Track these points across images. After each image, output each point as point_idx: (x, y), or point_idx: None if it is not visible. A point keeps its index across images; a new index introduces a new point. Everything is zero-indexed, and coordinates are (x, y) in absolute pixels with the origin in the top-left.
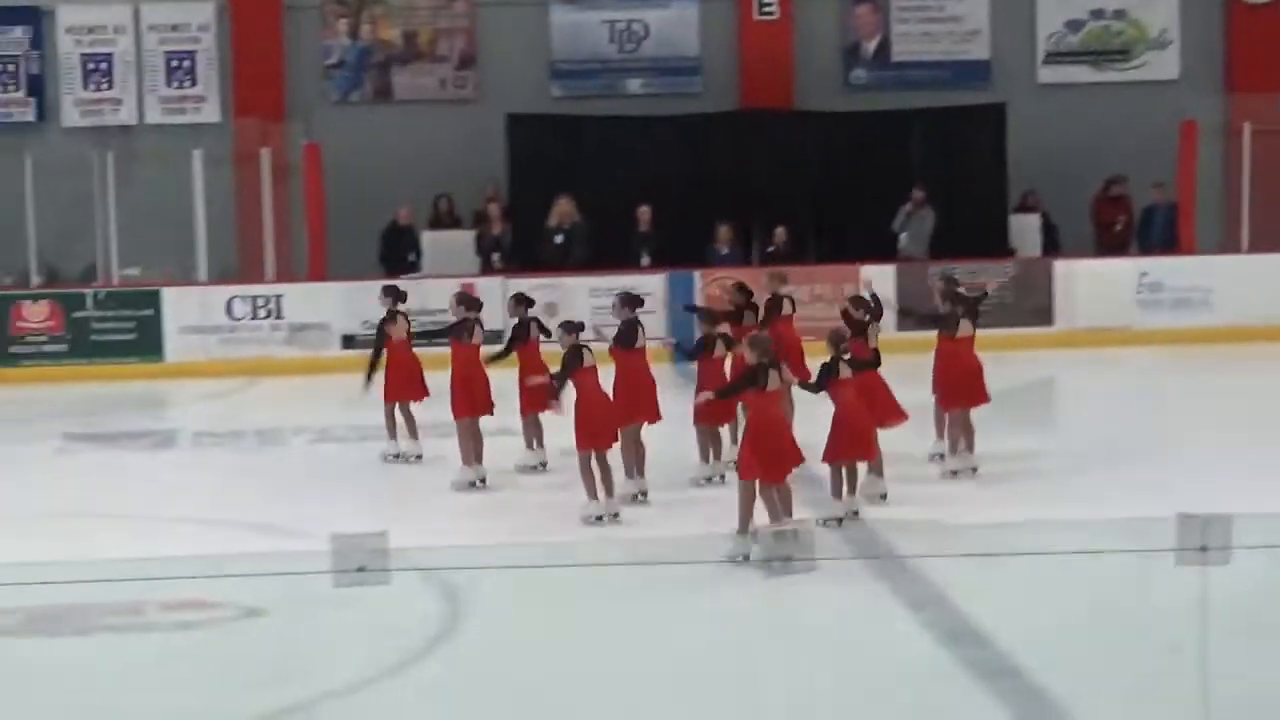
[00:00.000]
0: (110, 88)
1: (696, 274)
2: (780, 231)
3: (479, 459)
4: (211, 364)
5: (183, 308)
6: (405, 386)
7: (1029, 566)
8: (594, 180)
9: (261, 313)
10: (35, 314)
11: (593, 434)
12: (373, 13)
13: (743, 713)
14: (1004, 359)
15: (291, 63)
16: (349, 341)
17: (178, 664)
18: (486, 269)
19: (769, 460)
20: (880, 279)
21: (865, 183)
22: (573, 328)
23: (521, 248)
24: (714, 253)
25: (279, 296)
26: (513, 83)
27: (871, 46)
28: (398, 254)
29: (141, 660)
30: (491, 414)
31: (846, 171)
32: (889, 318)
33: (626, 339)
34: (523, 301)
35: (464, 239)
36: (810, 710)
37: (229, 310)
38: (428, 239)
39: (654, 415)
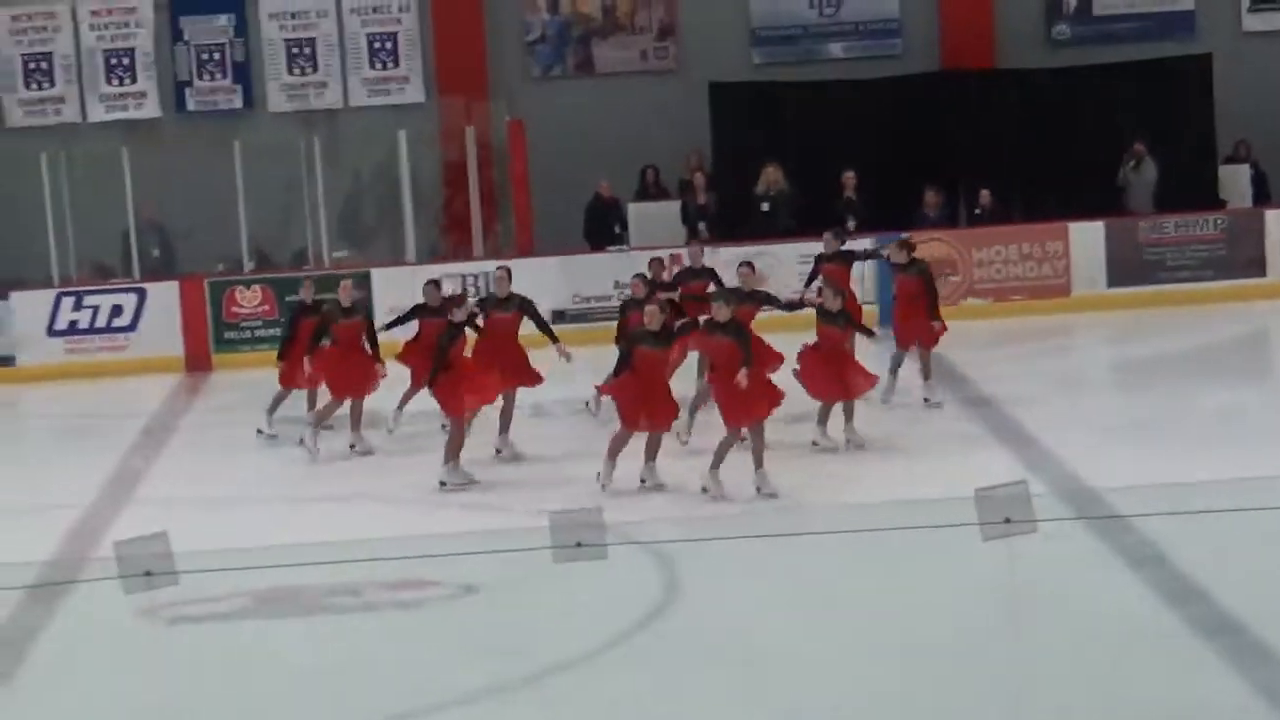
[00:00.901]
0: (315, 72)
1: (903, 238)
2: (985, 193)
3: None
4: None
5: (393, 288)
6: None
7: (1244, 522)
8: (797, 146)
9: (471, 290)
10: (248, 299)
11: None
12: None
13: (970, 677)
14: (1216, 311)
15: (493, 39)
16: (558, 316)
17: (398, 643)
18: (692, 239)
19: None
20: (1089, 236)
21: (1070, 140)
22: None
23: (727, 216)
24: (921, 216)
25: (488, 274)
26: (713, 51)
27: (1073, 1)
28: (603, 227)
29: (363, 640)
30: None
31: (1051, 129)
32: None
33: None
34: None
35: (670, 210)
36: (1038, 673)
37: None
38: (633, 211)
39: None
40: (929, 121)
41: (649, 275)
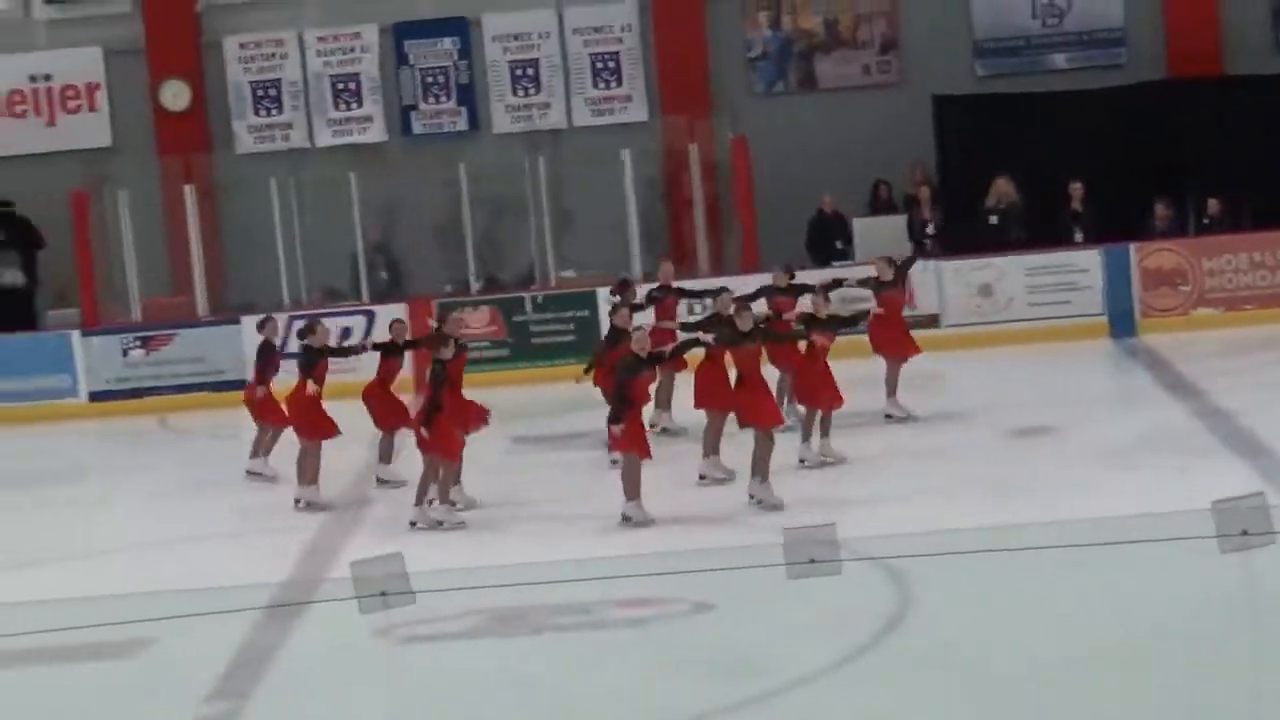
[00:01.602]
0: (538, 92)
1: (1131, 248)
2: (1214, 202)
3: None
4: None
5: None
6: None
7: None
8: (1022, 158)
9: (697, 307)
10: (477, 320)
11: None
12: (793, 2)
13: (1207, 691)
14: None
15: (715, 57)
16: None
17: (629, 661)
18: (919, 253)
19: None
20: None
21: None
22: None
23: (953, 230)
24: (1151, 226)
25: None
26: (936, 64)
27: None
28: (826, 243)
29: (594, 658)
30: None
31: None
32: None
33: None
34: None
35: (895, 224)
36: (1278, 687)
37: None
38: (859, 225)
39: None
40: (1156, 130)
41: (619, 298)
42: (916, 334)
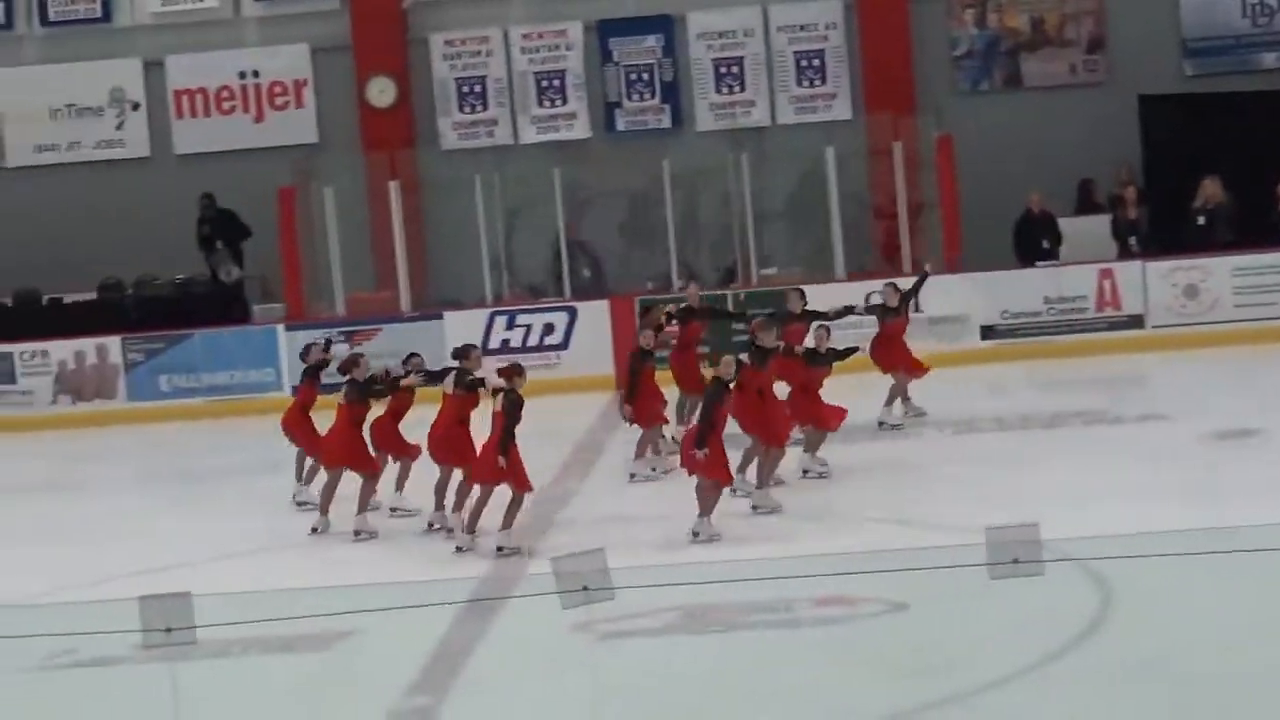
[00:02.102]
0: (742, 90)
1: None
2: None
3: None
4: (861, 360)
5: (820, 303)
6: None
7: None
8: (1231, 159)
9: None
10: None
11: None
12: (999, 1)
13: None
14: None
15: (919, 55)
16: (986, 332)
17: (821, 659)
18: (1124, 253)
19: None
20: None
21: None
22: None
23: (1160, 230)
24: None
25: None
26: (1143, 63)
27: None
28: (1032, 242)
29: (786, 656)
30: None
31: None
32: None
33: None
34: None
35: (1101, 224)
36: None
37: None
38: (1066, 225)
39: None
40: None
41: (650, 324)
42: (1120, 335)
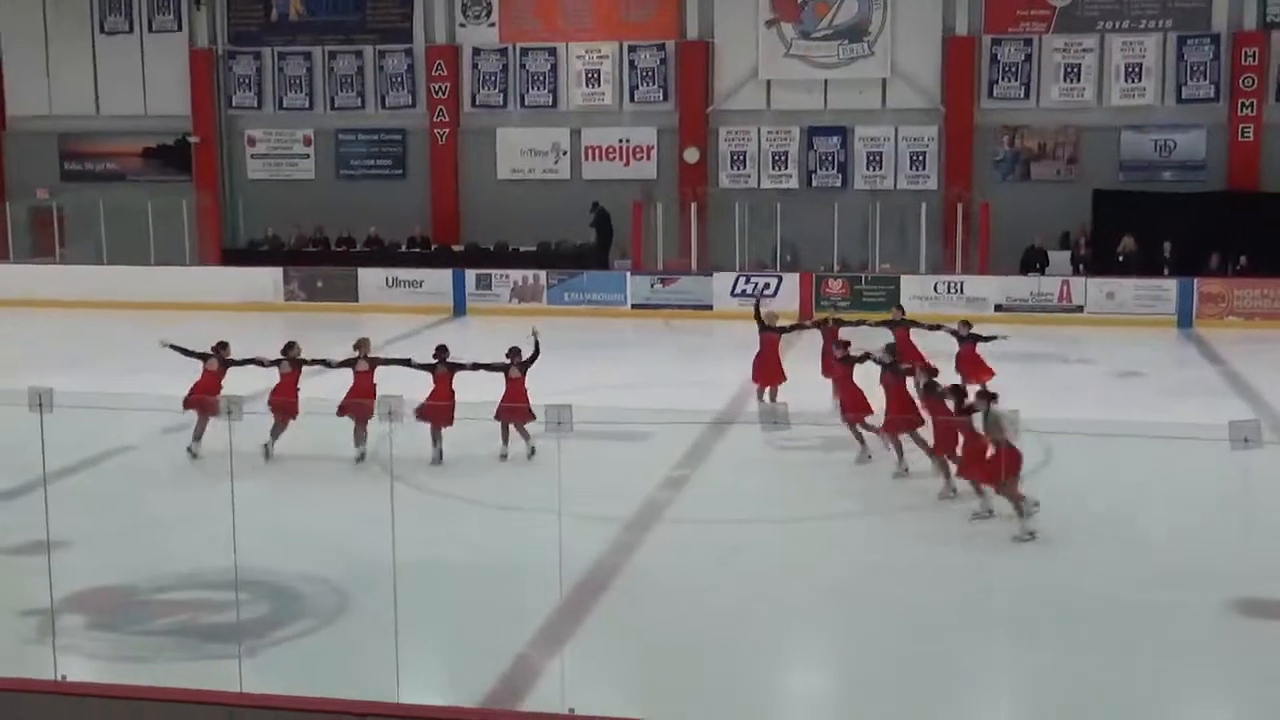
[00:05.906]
0: (880, 169)
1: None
2: None
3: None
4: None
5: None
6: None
7: None
8: (1140, 226)
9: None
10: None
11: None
12: (1021, 132)
13: None
14: None
15: (977, 158)
16: (999, 308)
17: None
18: (1076, 273)
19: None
20: None
21: None
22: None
23: (1097, 262)
24: None
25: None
26: (1098, 172)
27: None
28: (1030, 264)
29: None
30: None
31: None
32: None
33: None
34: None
35: (1067, 257)
36: None
37: None
38: (1051, 255)
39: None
40: None
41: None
42: (1070, 315)
